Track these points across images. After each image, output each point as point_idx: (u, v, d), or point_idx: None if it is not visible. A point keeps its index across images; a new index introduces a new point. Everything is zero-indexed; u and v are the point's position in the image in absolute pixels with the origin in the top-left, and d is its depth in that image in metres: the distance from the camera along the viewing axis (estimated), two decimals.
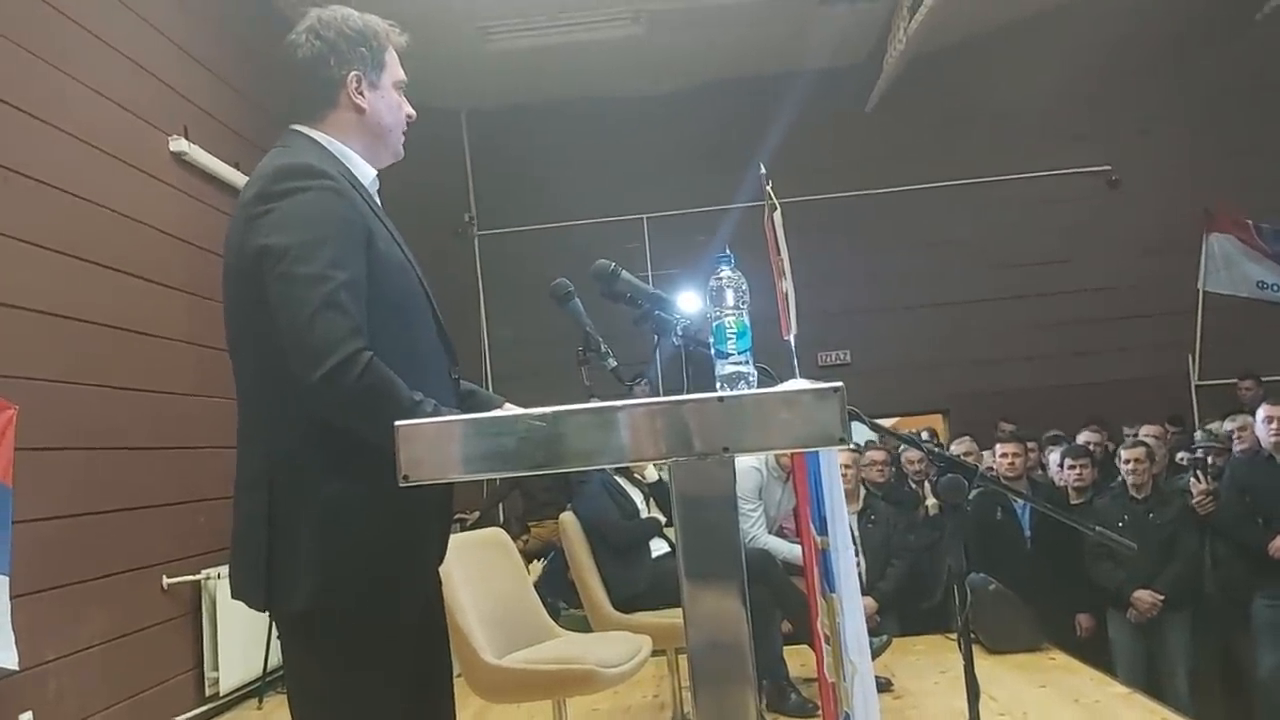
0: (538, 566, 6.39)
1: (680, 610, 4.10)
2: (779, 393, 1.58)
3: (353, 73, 1.98)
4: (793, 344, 2.18)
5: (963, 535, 2.08)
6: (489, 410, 2.07)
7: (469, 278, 9.22)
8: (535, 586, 4.25)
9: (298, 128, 2.01)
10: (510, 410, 2.07)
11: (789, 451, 3.82)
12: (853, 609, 1.87)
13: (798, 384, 1.64)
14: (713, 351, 1.67)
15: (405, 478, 1.50)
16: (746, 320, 1.66)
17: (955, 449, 6.27)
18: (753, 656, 1.54)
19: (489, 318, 9.23)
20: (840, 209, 8.82)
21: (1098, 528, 2.28)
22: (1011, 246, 9.06)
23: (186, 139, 5.37)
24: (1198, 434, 7.26)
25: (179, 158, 5.35)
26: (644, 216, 9.16)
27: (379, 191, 2.04)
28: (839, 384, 1.49)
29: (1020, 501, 5.85)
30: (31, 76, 4.26)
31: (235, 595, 1.93)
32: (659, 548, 4.49)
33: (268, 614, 1.97)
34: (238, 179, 5.72)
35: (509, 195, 9.22)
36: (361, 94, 1.99)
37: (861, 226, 9.01)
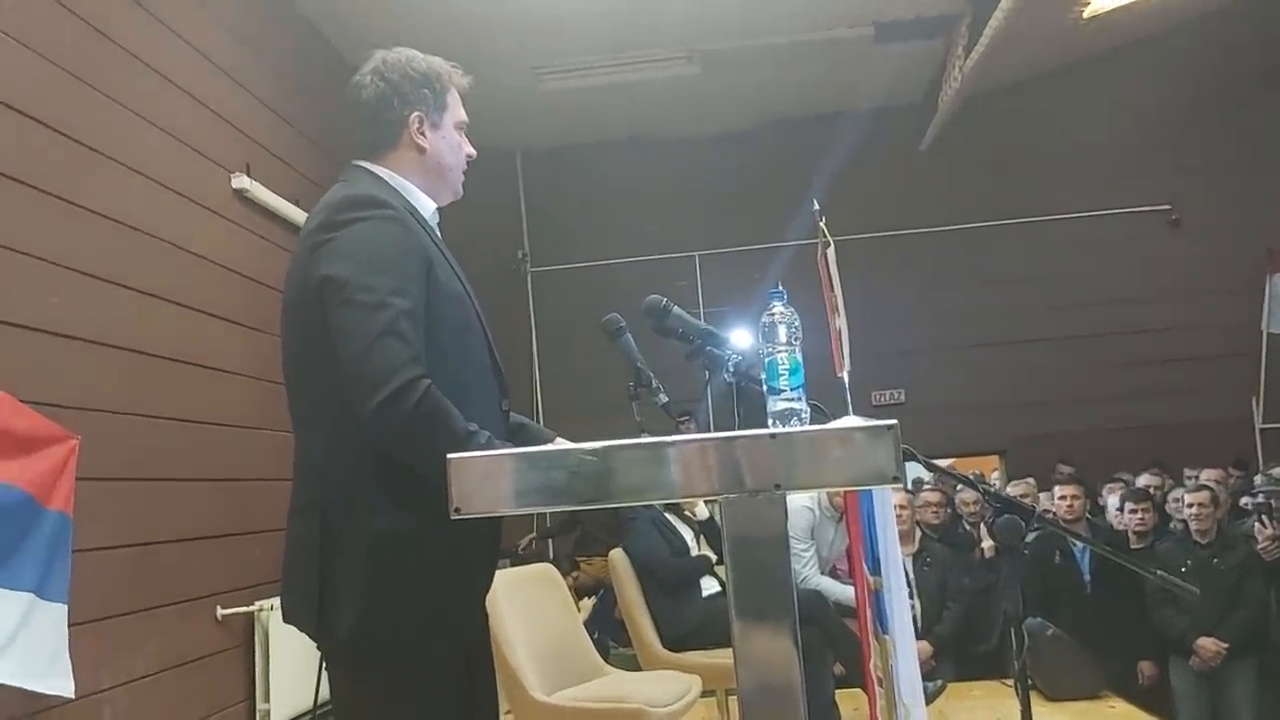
0: (587, 604, 6.37)
1: (729, 650, 4.06)
2: (832, 429, 1.56)
3: (415, 113, 2.02)
4: (846, 381, 2.16)
5: (1020, 578, 2.04)
6: (540, 444, 2.09)
7: (521, 314, 9.28)
8: (584, 624, 4.23)
9: (360, 163, 2.04)
10: (561, 444, 2.09)
11: (842, 490, 3.79)
12: (906, 651, 1.84)
13: (851, 421, 1.62)
14: (765, 387, 1.66)
15: (457, 510, 1.50)
16: (799, 356, 1.65)
17: (1013, 490, 6.17)
18: (804, 699, 1.51)
19: (540, 353, 9.27)
20: (896, 247, 8.78)
21: (1160, 572, 2.23)
22: (1070, 286, 8.95)
23: (248, 176, 5.47)
24: (1258, 478, 7.09)
25: (241, 194, 5.45)
26: (696, 254, 9.18)
27: (439, 225, 2.07)
28: (893, 421, 1.47)
29: (1079, 545, 5.73)
30: (97, 112, 4.37)
31: (287, 619, 1.95)
32: (709, 586, 4.45)
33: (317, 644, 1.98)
34: (298, 215, 5.82)
35: (562, 233, 9.30)
36: (423, 134, 2.03)
37: (917, 265, 8.94)
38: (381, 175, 2.01)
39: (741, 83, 8.11)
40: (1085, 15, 7.46)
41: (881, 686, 1.96)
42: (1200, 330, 8.74)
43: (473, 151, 2.12)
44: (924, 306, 8.97)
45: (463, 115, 2.10)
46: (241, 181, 5.42)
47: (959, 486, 7.00)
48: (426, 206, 2.05)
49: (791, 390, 1.62)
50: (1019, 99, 8.62)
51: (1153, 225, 9.05)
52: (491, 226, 8.62)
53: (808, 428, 1.63)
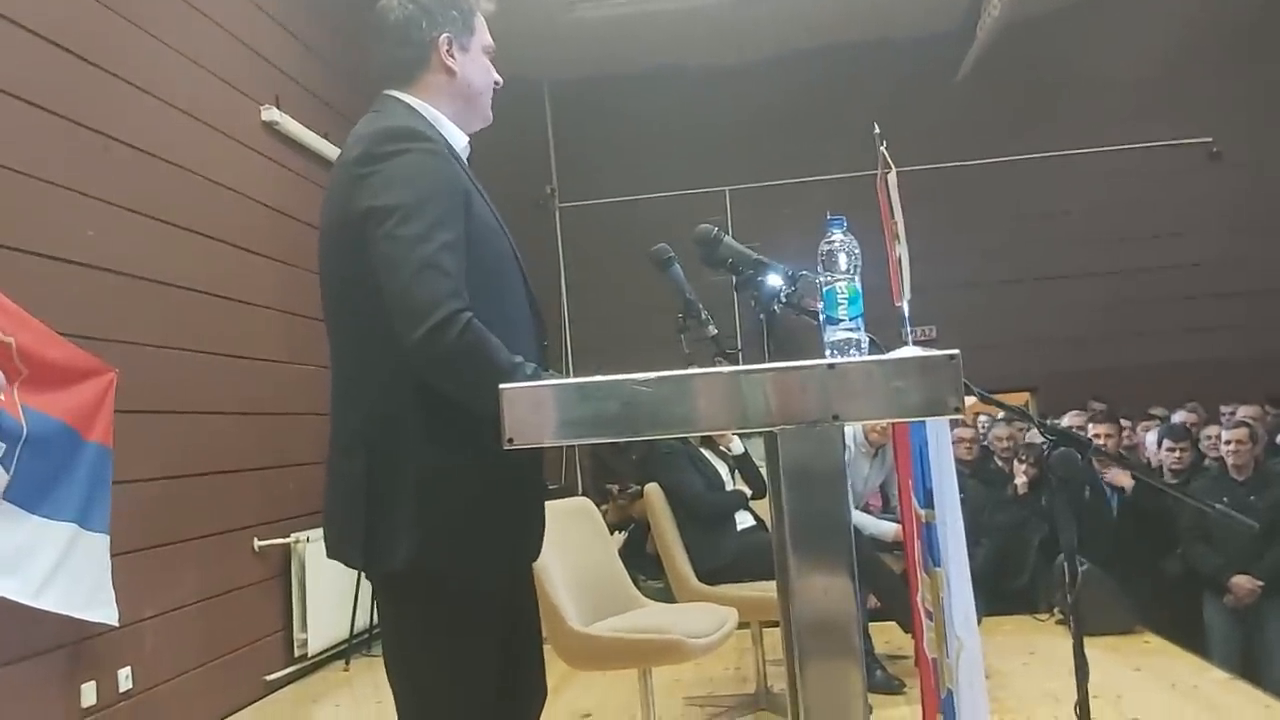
0: (618, 538, 6.40)
1: (764, 584, 4.06)
2: (893, 359, 1.53)
3: (444, 34, 1.98)
4: (906, 311, 2.11)
5: (1075, 513, 2.01)
6: None
7: (550, 249, 9.23)
8: None
9: (391, 92, 2.01)
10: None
11: (885, 423, 3.76)
12: (961, 584, 1.82)
13: (910, 351, 1.59)
14: (823, 317, 1.63)
15: (510, 440, 1.48)
16: (858, 285, 1.61)
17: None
18: (861, 633, 1.50)
19: (569, 289, 9.24)
20: (929, 181, 8.63)
21: (1218, 506, 2.19)
22: (1106, 220, 8.82)
23: (278, 108, 5.43)
24: None
25: (270, 127, 5.42)
26: (726, 189, 9.08)
27: (470, 159, 2.03)
28: (955, 351, 1.44)
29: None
30: (128, 45, 4.33)
31: (331, 555, 1.94)
32: (744, 520, 4.45)
33: (358, 576, 1.99)
34: (326, 149, 5.78)
35: (590, 167, 9.21)
36: (452, 56, 1.99)
37: (950, 199, 8.80)
38: (415, 106, 1.98)
39: (772, 11, 7.97)
40: None
41: (931, 619, 1.94)
42: (1237, 265, 8.60)
43: (499, 79, 2.08)
44: (957, 241, 8.85)
45: (489, 40, 2.06)
46: (271, 114, 5.39)
47: (989, 422, 6.97)
48: (459, 140, 2.01)
49: (850, 320, 1.59)
50: (1056, 29, 8.42)
51: (1193, 158, 8.88)
52: (518, 160, 8.53)
53: (867, 357, 1.60)
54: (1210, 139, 8.85)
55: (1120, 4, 8.37)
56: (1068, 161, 8.85)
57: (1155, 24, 8.42)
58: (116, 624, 3.70)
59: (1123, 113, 8.79)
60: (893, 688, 4.22)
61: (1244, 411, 6.44)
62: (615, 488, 7.41)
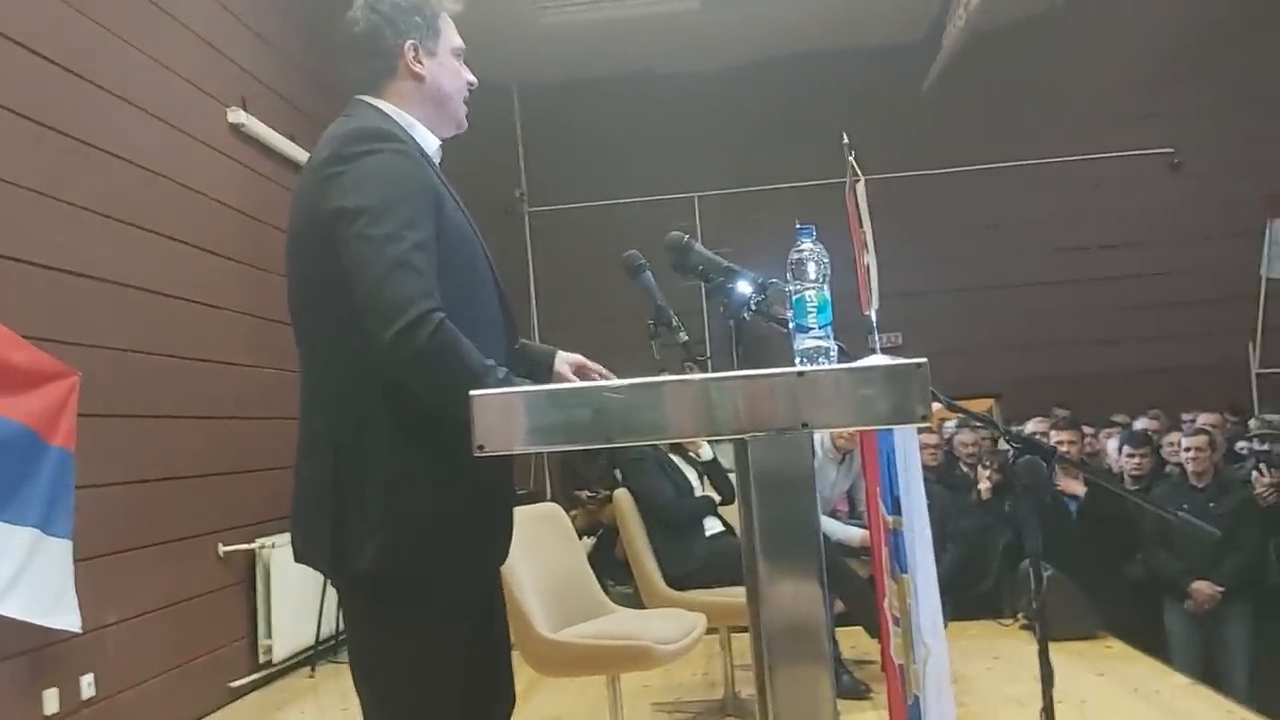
0: (586, 543, 6.40)
1: (733, 589, 4.07)
2: (860, 368, 1.54)
3: (409, 41, 1.98)
4: (874, 319, 2.14)
5: (1039, 520, 2.04)
6: (542, 363, 2.12)
7: (519, 253, 9.22)
8: None
9: (363, 97, 2.01)
10: (562, 359, 2.11)
11: (855, 430, 3.78)
12: (928, 591, 1.84)
13: (878, 360, 1.60)
14: (792, 325, 1.64)
15: (480, 447, 1.48)
16: (827, 294, 1.63)
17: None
18: (830, 640, 1.51)
19: (538, 294, 9.24)
20: (895, 188, 8.69)
21: (1180, 514, 2.23)
22: (1069, 229, 8.93)
23: (245, 110, 5.39)
24: (1253, 423, 7.11)
25: (237, 129, 5.38)
26: (695, 195, 9.11)
27: (441, 164, 2.04)
28: (923, 360, 1.46)
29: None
30: (95, 47, 4.29)
31: (299, 559, 1.93)
32: (713, 526, 4.47)
33: (325, 582, 1.98)
34: (294, 151, 5.75)
35: (560, 171, 9.21)
36: (420, 62, 1.99)
37: (916, 207, 8.86)
38: (385, 110, 1.98)
39: (742, 18, 8.00)
40: None
41: (898, 625, 1.96)
42: (1198, 274, 8.72)
43: (473, 79, 2.08)
44: (922, 248, 8.91)
45: (458, 41, 2.06)
46: (238, 116, 5.35)
47: (954, 427, 7.02)
48: (430, 143, 2.01)
49: (820, 328, 1.60)
50: (1021, 39, 8.50)
51: (1153, 168, 9.00)
52: (488, 164, 8.51)
53: (835, 366, 1.61)
54: (1171, 149, 8.98)
55: (1083, 16, 8.47)
56: (1031, 170, 8.94)
57: (1118, 36, 8.55)
58: (79, 630, 3.66)
59: (1085, 123, 8.91)
60: (859, 692, 4.24)
61: (1204, 419, 6.53)
62: (584, 493, 7.42)
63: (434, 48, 2.01)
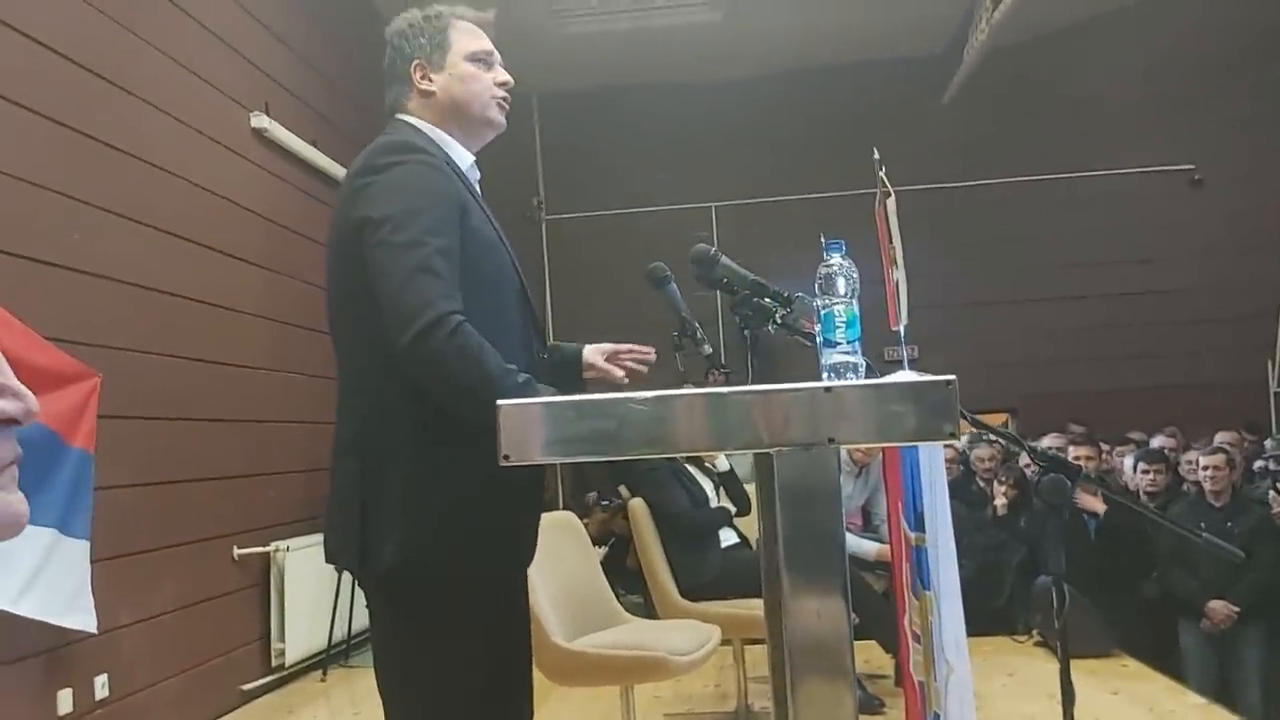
0: (599, 552, 6.40)
1: (748, 601, 4.06)
2: (888, 384, 1.53)
3: (415, 62, 2.07)
4: (902, 334, 2.13)
5: (1063, 538, 2.03)
6: (571, 363, 2.19)
7: (535, 261, 9.23)
8: None
9: (399, 116, 2.10)
10: (592, 347, 2.19)
11: (883, 446, 3.77)
12: (951, 608, 1.83)
13: (906, 376, 1.59)
14: (820, 340, 1.64)
15: (506, 457, 1.48)
16: (856, 309, 1.62)
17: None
18: (853, 655, 1.51)
19: (555, 302, 9.25)
20: (913, 201, 8.64)
21: (1205, 535, 2.22)
22: (1088, 244, 8.88)
23: (268, 115, 5.42)
24: (1268, 442, 7.07)
25: (260, 134, 5.40)
26: (713, 205, 9.11)
27: (481, 180, 2.09)
28: (951, 377, 1.45)
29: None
30: (120, 50, 4.32)
31: (329, 560, 1.99)
32: (728, 538, 4.46)
33: (337, 586, 2.01)
34: (316, 157, 5.77)
35: (578, 180, 9.23)
36: (428, 79, 2.06)
37: (934, 219, 8.82)
38: (419, 126, 2.06)
39: (762, 29, 8.00)
40: None
41: (919, 642, 1.95)
42: (1217, 292, 8.68)
43: (504, 78, 2.11)
44: (940, 262, 8.87)
45: (472, 45, 2.09)
46: (261, 120, 5.37)
47: (971, 441, 6.99)
48: (464, 158, 2.07)
49: (848, 343, 1.60)
50: (1043, 53, 8.49)
51: (1175, 185, 8.96)
52: (505, 172, 8.44)
53: (863, 381, 1.61)
54: (1192, 166, 8.94)
55: (1104, 32, 8.45)
56: (1051, 185, 8.92)
57: (1138, 51, 8.51)
58: (95, 631, 3.67)
59: (1105, 139, 8.88)
60: (873, 707, 4.23)
61: (1221, 437, 6.50)
62: (593, 495, 7.41)
63: (441, 62, 2.07)
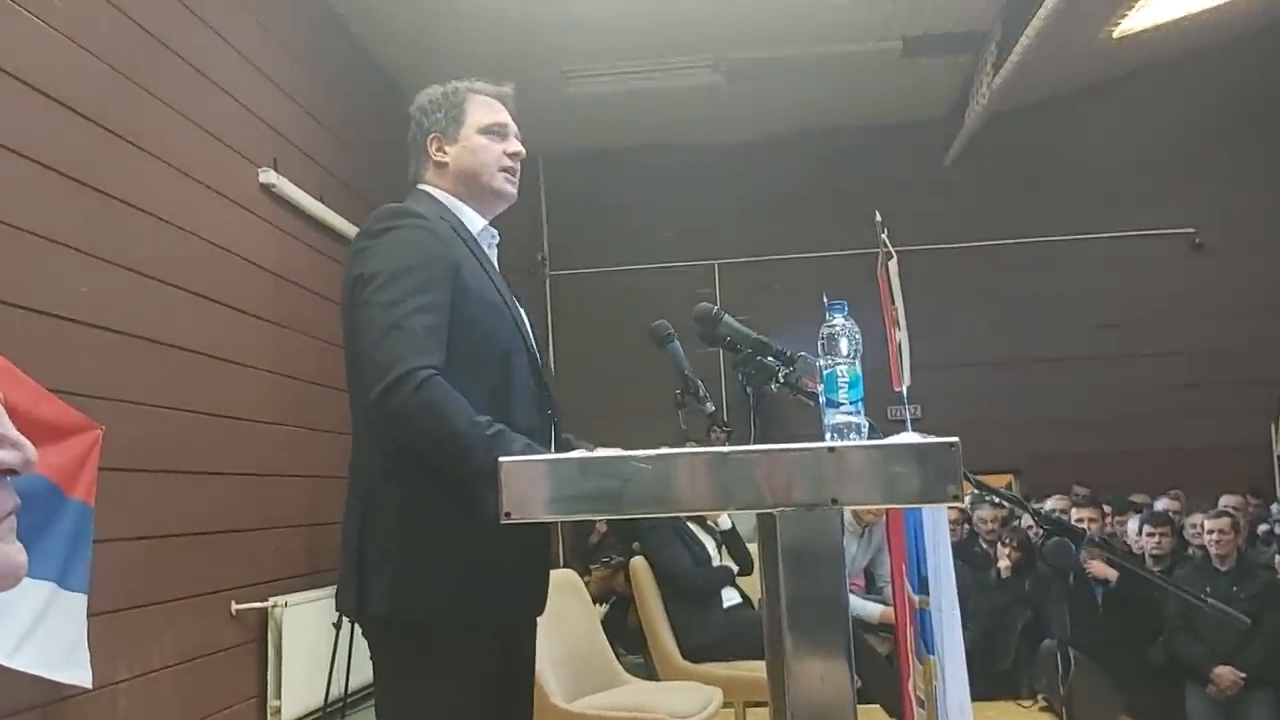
0: (599, 610, 6.34)
1: (750, 663, 4.02)
2: (892, 445, 1.54)
3: (431, 135, 2.18)
4: (905, 395, 2.14)
5: (1066, 601, 2.01)
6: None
7: (539, 316, 9.17)
8: None
9: (420, 186, 2.21)
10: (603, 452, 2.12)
11: (887, 507, 3.75)
12: (955, 674, 1.81)
13: (910, 437, 1.60)
14: (823, 400, 1.64)
15: (508, 514, 1.49)
16: (859, 369, 1.63)
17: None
18: (856, 718, 1.49)
19: (558, 357, 9.26)
20: (915, 262, 8.69)
21: (1211, 601, 2.20)
22: (1089, 306, 8.91)
23: (275, 170, 5.46)
24: (1274, 506, 7.04)
25: (268, 189, 5.44)
26: (715, 262, 9.16)
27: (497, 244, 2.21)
28: (954, 440, 1.45)
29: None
30: (130, 104, 4.36)
31: (338, 607, 2.07)
32: (731, 598, 4.43)
33: (335, 643, 2.07)
34: (321, 212, 5.81)
35: (582, 237, 9.29)
36: (442, 151, 2.17)
37: (937, 280, 8.87)
38: (434, 194, 2.16)
39: (767, 93, 8.09)
40: (1115, 35, 7.42)
41: (923, 707, 1.93)
42: (1219, 355, 8.68)
43: (517, 148, 2.20)
44: (942, 322, 8.89)
45: (486, 119, 2.19)
46: (269, 176, 5.41)
47: (973, 501, 6.96)
48: (475, 223, 2.16)
49: (851, 404, 1.60)
50: (1044, 117, 8.58)
51: (1175, 248, 9.00)
52: (512, 228, 8.50)
53: (867, 442, 1.61)
54: (1193, 229, 8.99)
55: (1105, 96, 8.55)
56: (1052, 247, 8.97)
57: (1140, 116, 8.60)
58: (90, 685, 3.62)
59: (1106, 201, 8.93)
60: None
61: (1226, 500, 6.47)
62: (594, 540, 7.35)
63: (455, 134, 2.17)
